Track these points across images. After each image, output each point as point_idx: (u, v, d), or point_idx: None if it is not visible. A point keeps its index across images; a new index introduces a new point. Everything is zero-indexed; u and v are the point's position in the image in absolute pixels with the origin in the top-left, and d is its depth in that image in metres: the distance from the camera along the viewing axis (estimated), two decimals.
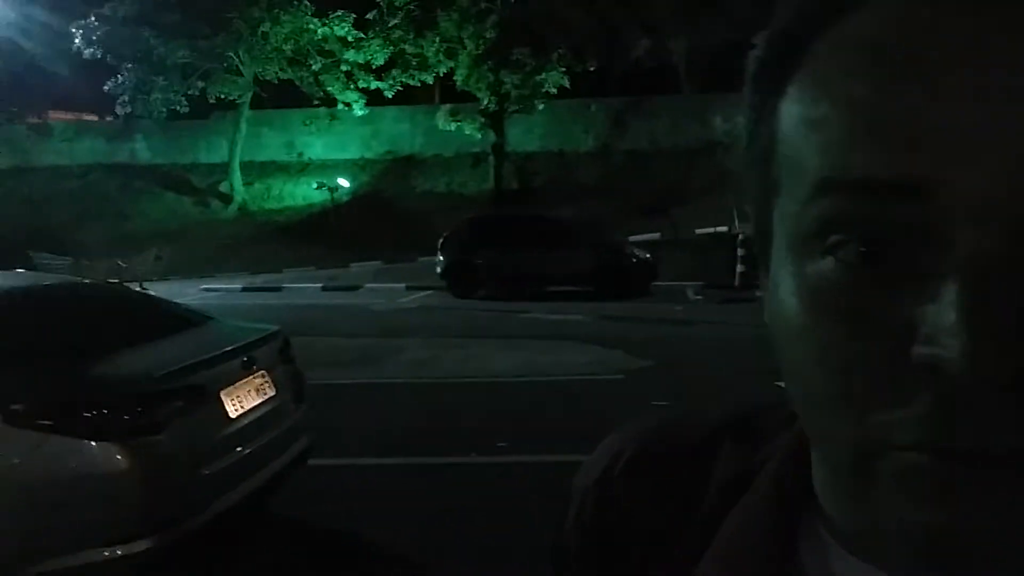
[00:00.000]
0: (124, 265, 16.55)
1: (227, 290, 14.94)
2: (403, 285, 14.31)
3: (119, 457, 2.66)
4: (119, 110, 21.74)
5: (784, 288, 0.29)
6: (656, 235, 16.16)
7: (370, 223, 19.76)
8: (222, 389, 3.09)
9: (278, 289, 14.98)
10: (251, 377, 3.29)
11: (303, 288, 14.92)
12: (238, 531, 3.43)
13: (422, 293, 13.50)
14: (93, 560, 2.65)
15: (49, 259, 16.62)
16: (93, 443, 2.65)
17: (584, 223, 13.63)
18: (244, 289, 15.09)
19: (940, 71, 0.24)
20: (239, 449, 3.09)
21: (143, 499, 2.70)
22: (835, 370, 0.27)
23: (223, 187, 23.06)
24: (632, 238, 14.08)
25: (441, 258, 12.96)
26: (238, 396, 3.18)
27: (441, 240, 13.10)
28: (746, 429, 0.43)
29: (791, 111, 0.29)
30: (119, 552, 2.68)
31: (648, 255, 12.46)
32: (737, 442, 0.42)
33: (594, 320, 9.97)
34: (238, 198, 22.55)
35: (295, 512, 3.83)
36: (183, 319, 3.66)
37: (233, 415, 3.10)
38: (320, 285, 15.07)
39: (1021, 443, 0.24)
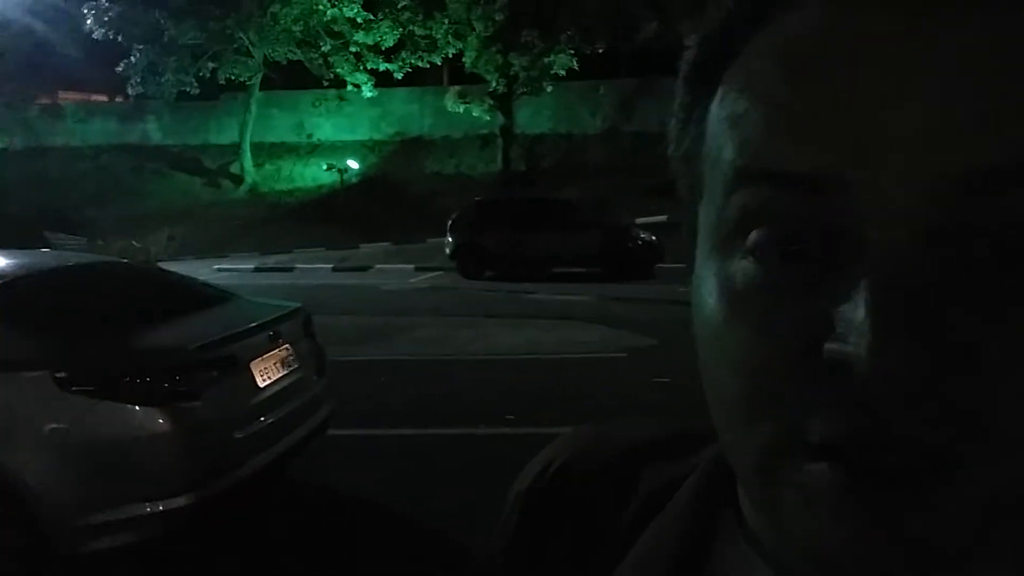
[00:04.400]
0: (138, 245, 16.86)
1: (240, 270, 15.21)
2: (412, 266, 14.55)
3: (160, 421, 2.90)
4: (130, 91, 21.96)
5: (705, 288, 0.30)
6: (663, 217, 16.33)
7: (379, 204, 19.99)
8: (251, 360, 3.33)
9: (290, 269, 15.24)
10: (277, 350, 3.53)
11: (314, 269, 15.18)
12: (262, 494, 3.68)
13: (431, 274, 13.74)
14: (136, 514, 2.91)
15: (64, 239, 16.94)
16: (136, 408, 2.89)
17: (590, 205, 13.81)
18: (256, 269, 15.37)
19: (856, 73, 0.25)
20: (267, 416, 3.33)
21: (181, 460, 2.95)
22: (747, 371, 0.27)
23: (234, 168, 23.31)
24: (639, 220, 14.24)
25: (450, 239, 13.19)
26: (265, 368, 3.42)
27: (450, 222, 13.32)
28: (673, 443, 0.43)
29: (717, 110, 0.30)
30: (160, 507, 2.94)
31: (654, 237, 12.64)
32: (663, 456, 0.42)
33: (599, 301, 10.18)
34: (249, 179, 22.80)
35: (315, 478, 4.09)
36: (211, 296, 3.90)
37: (261, 385, 3.35)
38: (331, 266, 15.33)
39: (907, 452, 0.24)
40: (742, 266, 0.28)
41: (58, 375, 2.88)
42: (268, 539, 3.54)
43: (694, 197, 0.32)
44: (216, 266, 15.53)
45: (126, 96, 23.14)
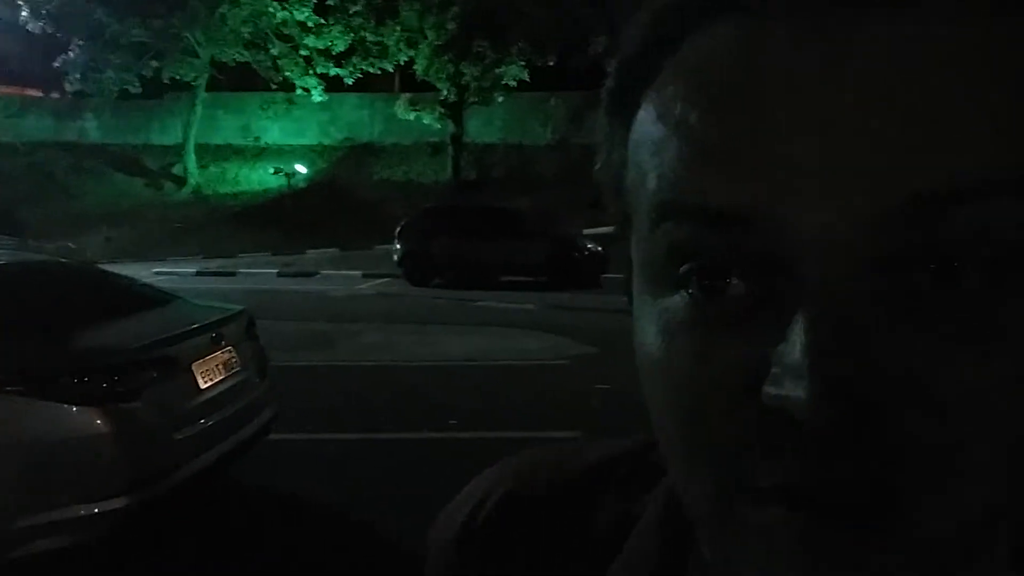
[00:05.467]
0: (74, 247, 16.29)
1: (180, 274, 14.87)
2: (360, 272, 14.47)
3: (98, 421, 2.89)
4: (68, 87, 21.25)
5: (642, 323, 0.29)
6: (609, 228, 16.58)
7: (327, 210, 19.79)
8: (193, 362, 3.34)
9: (232, 274, 14.98)
10: (219, 352, 3.54)
11: (258, 273, 14.95)
12: (203, 496, 3.67)
13: (378, 280, 13.70)
14: (73, 516, 2.88)
15: None
16: (74, 408, 2.88)
17: (538, 215, 13.98)
18: (198, 273, 15.05)
19: (772, 101, 0.24)
20: (208, 418, 3.34)
21: (120, 461, 2.94)
22: (686, 414, 0.26)
23: (176, 169, 22.76)
24: (586, 231, 14.49)
25: (398, 246, 13.19)
26: (207, 369, 3.42)
27: (398, 229, 13.33)
28: (630, 468, 0.40)
29: (636, 137, 0.29)
30: (95, 509, 2.92)
31: (600, 247, 12.88)
32: (620, 483, 0.39)
33: (545, 309, 10.34)
34: (192, 181, 22.30)
35: (257, 481, 4.08)
36: (152, 297, 3.88)
37: (203, 386, 3.35)
38: (276, 271, 15.12)
39: (858, 492, 0.23)
40: (674, 301, 0.27)
41: None
42: (209, 542, 3.53)
43: (624, 227, 0.31)
44: (155, 269, 15.14)
45: (62, 92, 22.39)
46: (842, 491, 0.23)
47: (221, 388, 3.47)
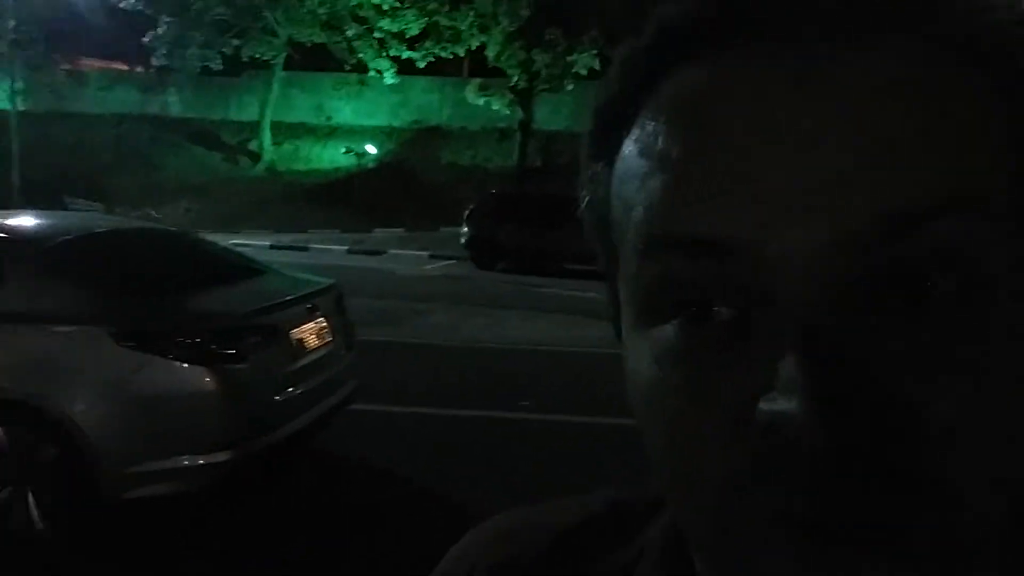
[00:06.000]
0: (156, 215, 17.06)
1: (255, 246, 15.38)
2: (426, 253, 14.73)
3: (208, 380, 3.10)
4: (155, 62, 22.13)
5: (634, 357, 0.29)
6: None
7: (394, 191, 20.16)
8: (291, 330, 3.53)
9: (305, 249, 15.43)
10: (314, 323, 3.73)
11: (329, 250, 15.37)
12: (291, 459, 3.87)
13: (445, 262, 13.93)
14: (180, 466, 3.11)
15: (83, 205, 17.15)
16: (186, 366, 3.09)
17: None
18: (272, 247, 15.54)
19: (744, 130, 0.25)
20: (304, 383, 3.53)
21: (225, 417, 3.14)
22: (683, 444, 0.27)
23: (252, 145, 23.49)
24: None
25: (466, 229, 13.38)
26: (304, 338, 3.61)
27: (467, 212, 13.52)
28: (619, 516, 0.40)
29: (619, 174, 0.30)
30: (201, 461, 3.14)
31: None
32: (611, 532, 0.39)
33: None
34: (267, 157, 22.99)
35: (332, 447, 4.27)
36: (250, 266, 4.10)
37: (300, 354, 3.54)
38: (345, 248, 15.52)
39: (856, 511, 0.23)
40: (666, 333, 0.27)
41: (114, 331, 3.07)
42: (293, 505, 3.73)
43: (611, 262, 0.32)
44: (232, 241, 15.72)
45: (146, 66, 23.31)
46: (840, 511, 0.23)
47: (315, 356, 3.66)
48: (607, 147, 0.31)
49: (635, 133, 0.29)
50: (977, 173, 0.24)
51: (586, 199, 0.33)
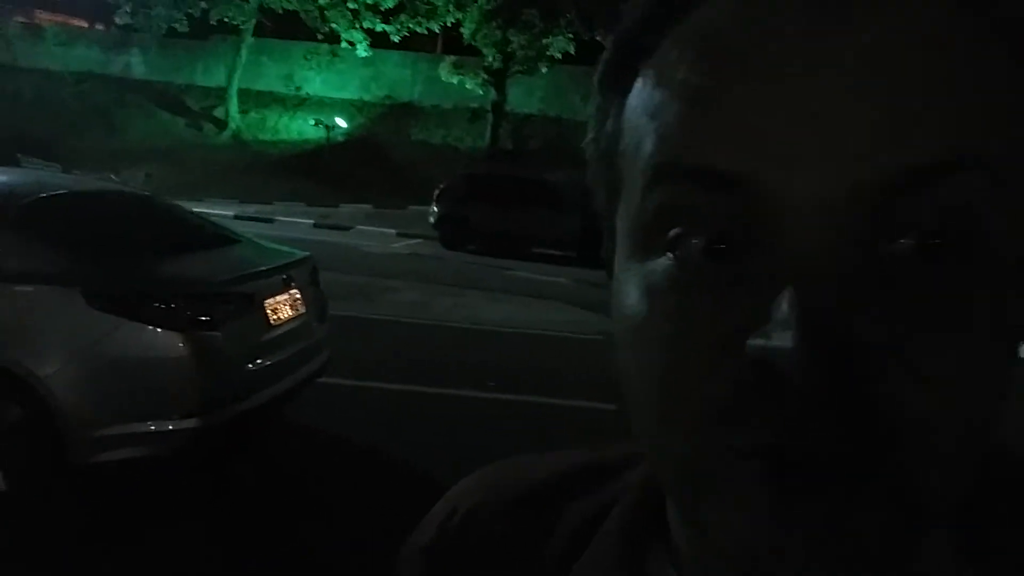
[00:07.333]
0: (115, 179, 16.59)
1: (219, 215, 15.11)
2: (394, 231, 14.64)
3: (180, 346, 3.09)
4: (118, 20, 21.43)
5: (624, 290, 0.29)
6: None
7: (363, 166, 19.93)
8: (265, 299, 3.52)
9: (270, 221, 15.20)
10: (287, 294, 3.72)
11: (295, 223, 15.17)
12: (262, 429, 3.88)
13: (413, 240, 13.87)
14: (150, 430, 3.10)
15: (40, 165, 16.59)
16: (160, 331, 3.07)
17: (574, 190, 14.03)
18: (236, 217, 15.27)
19: (773, 67, 0.25)
20: (276, 353, 3.53)
21: (198, 384, 3.14)
22: (667, 372, 0.26)
23: (218, 112, 22.96)
24: None
25: (435, 209, 13.33)
26: (277, 308, 3.61)
27: (437, 191, 13.45)
28: (589, 473, 0.41)
29: (633, 104, 0.29)
30: (170, 426, 3.13)
31: None
32: (585, 484, 0.40)
33: (576, 284, 10.46)
34: (233, 125, 22.49)
35: (301, 420, 4.28)
36: (227, 236, 4.06)
37: (273, 323, 3.54)
38: (311, 221, 15.33)
39: (846, 447, 0.23)
40: (661, 264, 0.27)
41: (86, 292, 3.04)
42: (263, 476, 3.74)
43: (612, 196, 0.31)
44: (194, 209, 15.41)
45: (107, 24, 22.56)
46: (822, 446, 0.23)
47: (288, 327, 3.66)
48: (621, 78, 0.30)
49: (655, 62, 0.28)
50: (991, 134, 0.24)
51: (593, 131, 0.33)
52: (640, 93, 0.29)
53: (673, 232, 0.27)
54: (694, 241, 0.26)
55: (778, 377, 0.23)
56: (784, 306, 0.23)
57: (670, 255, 0.27)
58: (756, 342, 0.24)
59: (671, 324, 0.26)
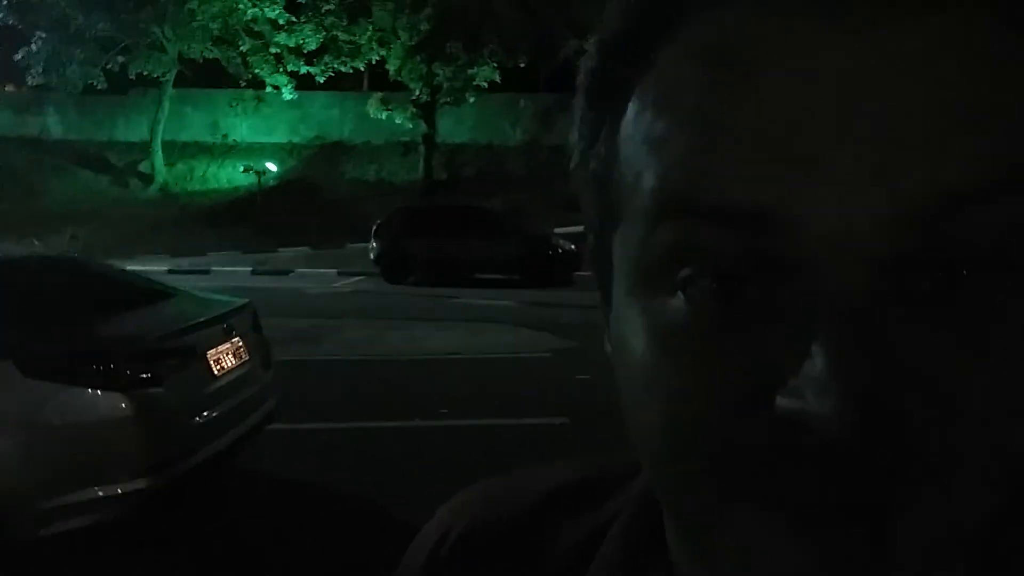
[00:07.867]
0: (39, 244, 16.03)
1: (152, 271, 14.76)
2: (334, 270, 14.55)
3: (123, 405, 3.04)
4: (30, 80, 20.85)
5: (628, 328, 0.27)
6: (580, 227, 16.86)
7: (298, 208, 19.76)
8: (207, 350, 3.50)
9: (206, 272, 14.91)
10: (230, 343, 3.70)
11: (232, 272, 14.92)
12: (213, 482, 3.82)
13: (354, 278, 13.80)
14: (96, 496, 3.02)
15: None
16: (100, 392, 3.02)
17: (511, 214, 14.24)
18: (170, 271, 14.93)
19: (795, 91, 0.22)
20: (222, 404, 3.50)
21: (143, 443, 3.08)
22: (682, 423, 0.24)
23: (143, 167, 22.48)
24: (557, 230, 14.77)
25: (374, 244, 13.34)
26: (220, 358, 3.58)
27: (375, 227, 13.48)
28: (588, 488, 0.40)
29: (631, 130, 0.26)
30: (119, 490, 3.06)
31: (572, 246, 13.17)
32: (580, 501, 0.39)
33: (521, 306, 10.58)
34: (159, 178, 22.05)
35: (250, 467, 4.22)
36: (159, 290, 4.02)
37: (217, 374, 3.51)
38: (249, 269, 15.10)
39: (882, 496, 0.22)
40: (672, 306, 0.25)
41: (21, 363, 2.97)
42: (218, 527, 3.68)
43: (606, 225, 0.29)
44: (126, 267, 14.99)
45: (19, 85, 21.93)
46: (857, 498, 0.22)
47: (232, 376, 3.63)
48: (613, 91, 0.27)
49: (653, 80, 0.26)
50: None
51: (581, 151, 0.30)
52: (638, 118, 0.26)
53: (684, 271, 0.24)
54: (708, 282, 0.24)
55: (816, 440, 0.21)
56: (819, 364, 0.21)
57: (680, 297, 0.25)
58: (790, 404, 0.22)
59: (687, 376, 0.24)
